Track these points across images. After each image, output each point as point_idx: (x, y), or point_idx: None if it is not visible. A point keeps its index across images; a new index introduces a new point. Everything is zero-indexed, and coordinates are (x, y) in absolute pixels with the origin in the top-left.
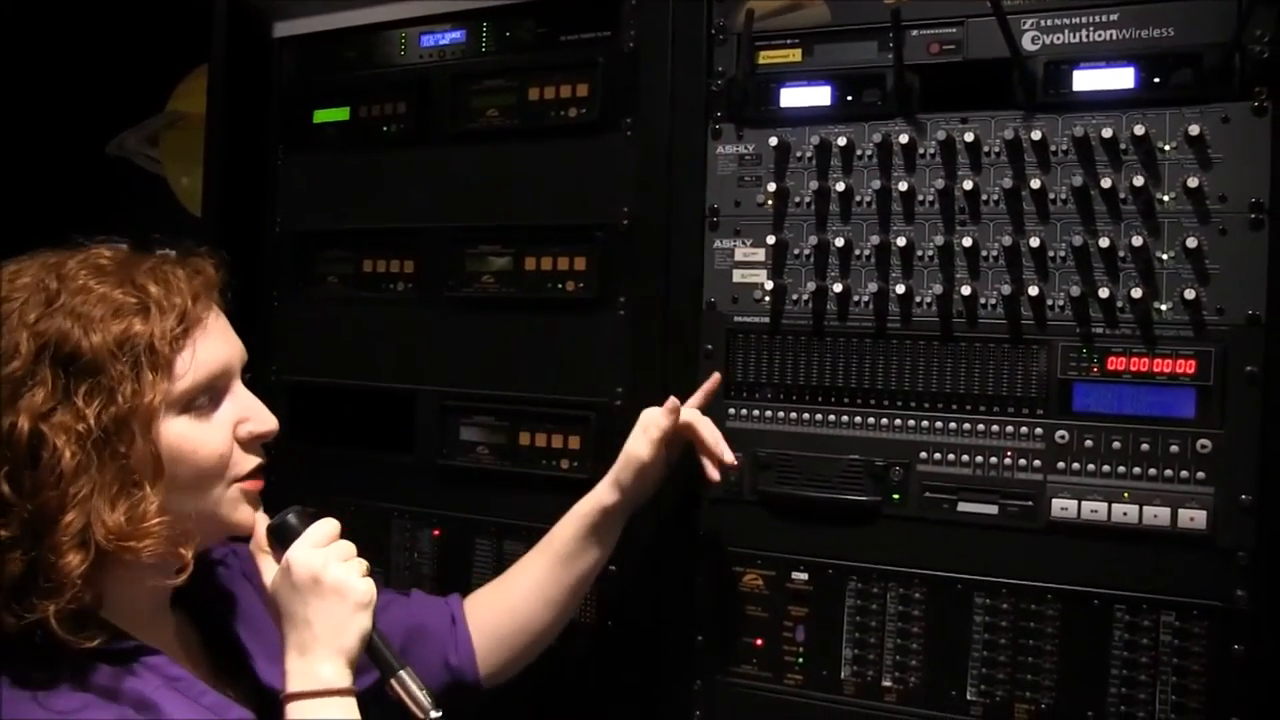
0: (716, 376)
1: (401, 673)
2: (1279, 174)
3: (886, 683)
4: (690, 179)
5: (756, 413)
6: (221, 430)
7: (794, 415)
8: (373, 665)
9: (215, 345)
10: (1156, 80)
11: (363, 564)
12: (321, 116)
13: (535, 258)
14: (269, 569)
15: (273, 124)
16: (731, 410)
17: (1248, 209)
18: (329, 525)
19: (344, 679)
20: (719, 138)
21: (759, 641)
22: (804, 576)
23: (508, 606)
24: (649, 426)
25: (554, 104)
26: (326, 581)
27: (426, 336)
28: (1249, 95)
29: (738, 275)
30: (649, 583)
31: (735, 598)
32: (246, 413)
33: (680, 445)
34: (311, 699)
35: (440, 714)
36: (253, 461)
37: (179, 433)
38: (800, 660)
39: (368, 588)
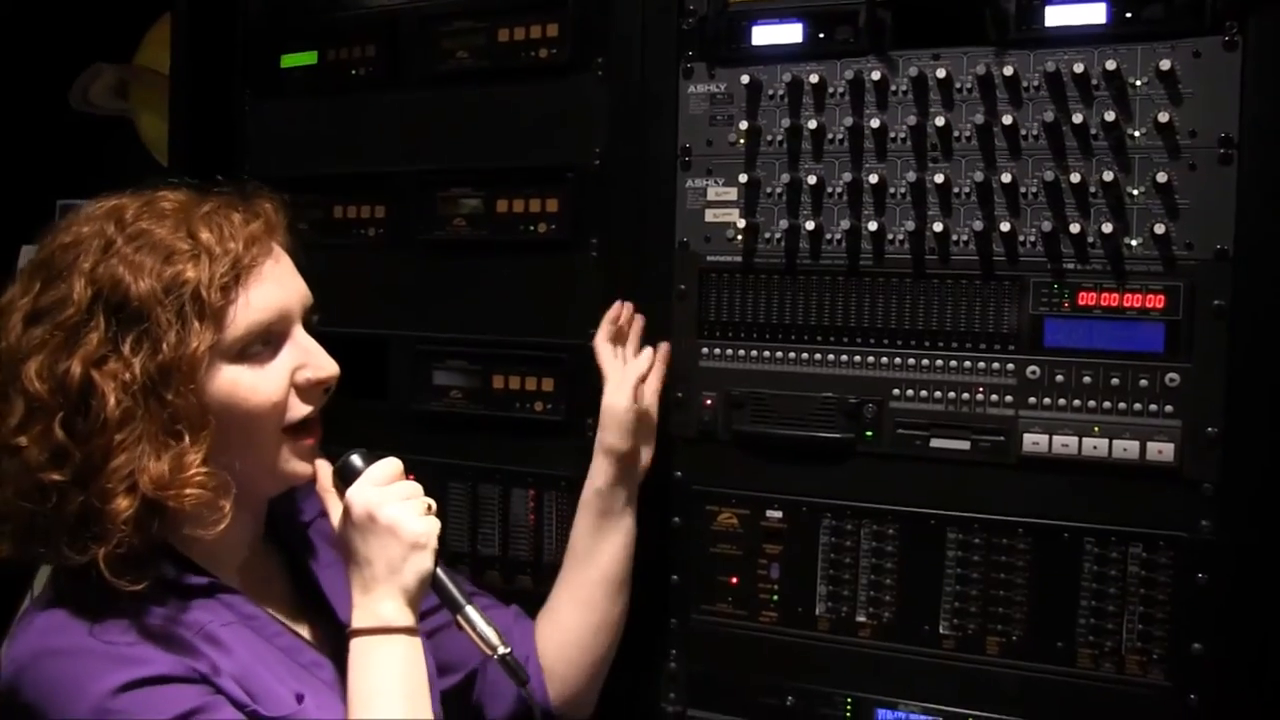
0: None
1: (468, 609)
2: (1248, 109)
3: (860, 618)
4: (662, 119)
5: (730, 352)
6: (277, 377)
7: (767, 354)
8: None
9: (270, 291)
10: (1128, 15)
11: (425, 503)
12: (289, 61)
13: (507, 200)
14: (336, 509)
15: (239, 69)
16: (705, 350)
17: (1217, 144)
18: (390, 465)
19: (404, 618)
20: (690, 77)
21: (734, 580)
22: (778, 514)
23: (556, 627)
24: (619, 373)
25: (524, 44)
26: (381, 520)
27: (398, 282)
28: (1220, 29)
29: (710, 215)
30: None
31: (710, 537)
32: (306, 358)
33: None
34: (372, 635)
35: (509, 650)
36: (305, 408)
37: (232, 380)
38: (775, 598)
39: (424, 527)
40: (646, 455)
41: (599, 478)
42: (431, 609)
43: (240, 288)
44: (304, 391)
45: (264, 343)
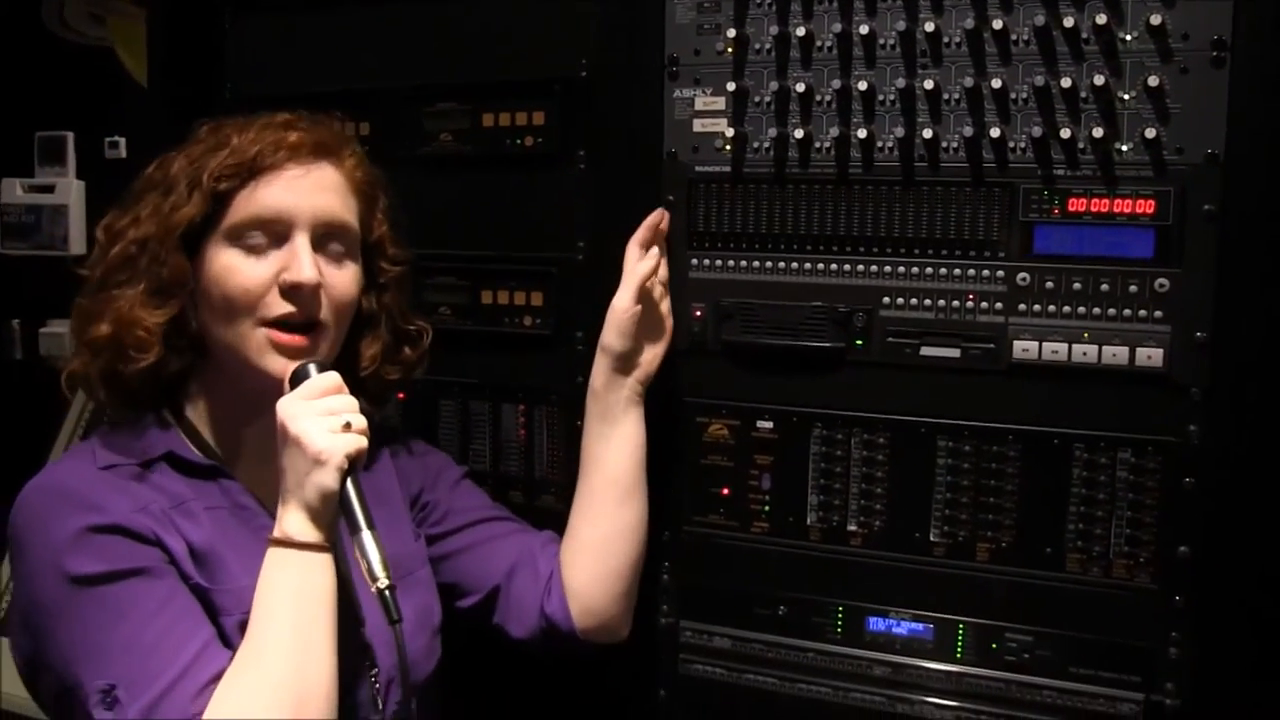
0: (660, 212)
1: (364, 533)
2: (1241, 10)
3: (851, 527)
4: (648, 28)
5: (719, 262)
6: (263, 271)
7: (756, 264)
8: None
9: (276, 192)
10: None
11: (342, 421)
12: None
13: (493, 114)
14: None
15: None
16: (694, 261)
17: (1209, 47)
18: (324, 379)
19: (308, 533)
20: None
21: (725, 491)
22: (769, 425)
23: (572, 540)
24: (629, 274)
25: None
26: (291, 432)
27: None
28: None
29: (698, 125)
30: None
31: (701, 448)
32: (290, 261)
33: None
34: (276, 547)
35: (388, 585)
36: (284, 307)
37: (225, 262)
38: (766, 508)
39: (329, 444)
40: (652, 358)
41: (596, 378)
42: (447, 532)
43: (251, 181)
44: (285, 292)
45: (262, 235)
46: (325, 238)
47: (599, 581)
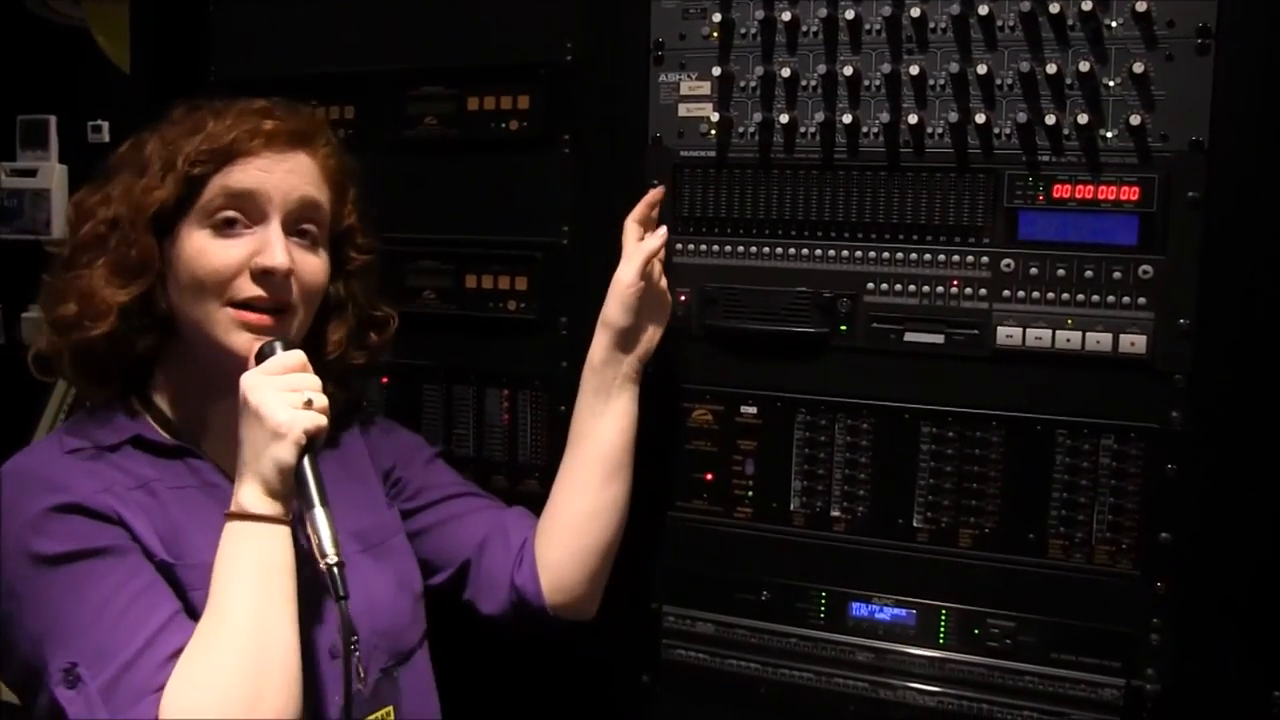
0: (659, 190)
1: (317, 510)
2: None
3: (835, 513)
4: (634, 12)
5: (704, 247)
6: (234, 254)
7: (741, 249)
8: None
9: (249, 175)
10: None
11: (304, 397)
12: None
13: (478, 97)
14: None
15: None
16: (679, 245)
17: (1194, 34)
18: (288, 356)
19: (263, 506)
20: None
21: (709, 476)
22: (753, 410)
23: (551, 511)
24: (632, 249)
25: None
26: (251, 403)
27: (369, 182)
28: None
29: (683, 109)
30: None
31: (685, 433)
32: (262, 246)
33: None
34: (233, 520)
35: (337, 562)
36: (252, 291)
37: (197, 244)
38: (750, 493)
39: (289, 418)
40: (651, 336)
41: (595, 352)
42: (418, 508)
43: (225, 166)
44: (256, 276)
45: (238, 220)
46: (297, 224)
47: (574, 557)
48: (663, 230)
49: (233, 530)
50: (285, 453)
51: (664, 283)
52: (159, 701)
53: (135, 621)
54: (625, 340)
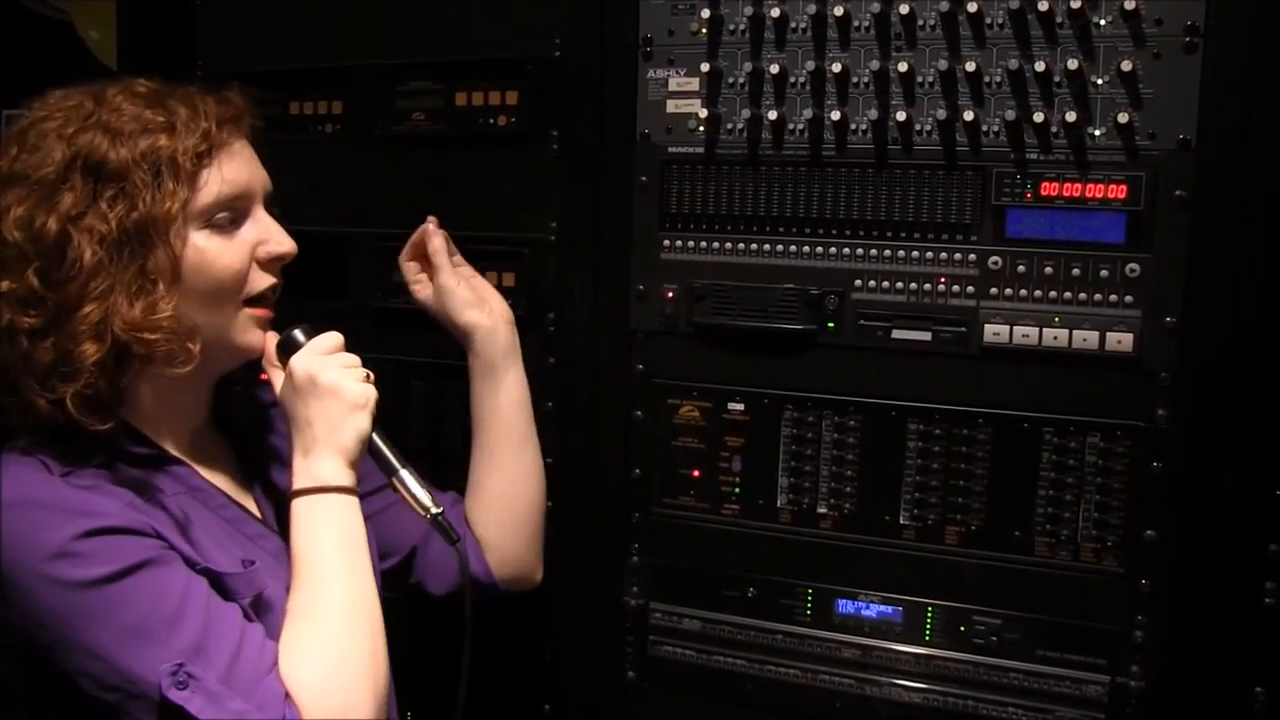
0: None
1: (403, 472)
2: None
3: (822, 510)
4: (622, 8)
5: (691, 244)
6: (241, 248)
7: (729, 245)
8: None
9: (238, 167)
10: None
11: (364, 372)
12: None
13: (466, 93)
14: (279, 380)
15: None
16: (666, 242)
17: (1182, 32)
18: (332, 337)
19: (343, 477)
20: None
21: (696, 473)
22: (740, 407)
23: (477, 493)
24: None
25: None
26: (322, 382)
27: (357, 178)
28: None
29: (671, 105)
30: (585, 418)
31: (672, 430)
32: (267, 234)
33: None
34: (312, 495)
35: (441, 510)
36: (267, 281)
37: (201, 246)
38: (737, 490)
39: (363, 390)
40: (494, 309)
41: (466, 347)
42: (369, 492)
43: (212, 159)
44: (264, 265)
45: (229, 215)
46: (267, 206)
47: (508, 528)
48: (431, 222)
49: (311, 504)
50: (365, 423)
51: (465, 269)
52: (279, 676)
53: (219, 613)
54: (478, 329)
